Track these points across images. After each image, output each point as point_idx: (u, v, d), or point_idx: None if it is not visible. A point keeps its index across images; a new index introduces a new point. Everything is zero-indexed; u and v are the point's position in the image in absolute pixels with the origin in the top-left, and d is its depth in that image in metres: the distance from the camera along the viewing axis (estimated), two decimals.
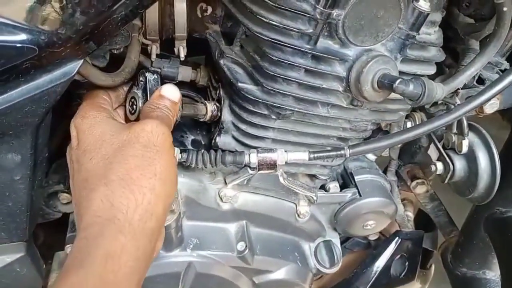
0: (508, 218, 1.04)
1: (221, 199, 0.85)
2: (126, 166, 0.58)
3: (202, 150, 0.77)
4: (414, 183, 1.12)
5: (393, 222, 1.13)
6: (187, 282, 0.84)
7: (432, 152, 0.98)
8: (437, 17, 0.74)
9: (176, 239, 0.80)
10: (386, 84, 0.67)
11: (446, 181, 0.96)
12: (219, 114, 0.81)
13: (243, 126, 0.80)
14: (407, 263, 1.16)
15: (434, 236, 1.28)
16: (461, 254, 1.18)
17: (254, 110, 0.77)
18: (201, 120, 0.82)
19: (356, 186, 0.95)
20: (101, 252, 0.53)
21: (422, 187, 1.13)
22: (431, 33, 0.74)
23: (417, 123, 0.97)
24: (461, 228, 1.19)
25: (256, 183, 0.87)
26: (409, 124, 0.97)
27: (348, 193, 0.94)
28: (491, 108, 0.95)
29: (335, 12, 0.65)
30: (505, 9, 0.67)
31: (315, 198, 0.90)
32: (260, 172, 0.78)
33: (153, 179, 0.58)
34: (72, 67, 0.57)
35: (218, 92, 0.82)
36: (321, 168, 0.92)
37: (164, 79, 0.82)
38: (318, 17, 0.65)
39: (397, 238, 1.12)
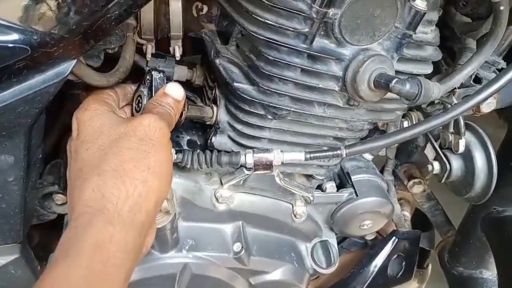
0: (505, 218, 1.04)
1: (217, 199, 0.85)
2: (121, 157, 0.58)
3: (198, 151, 0.77)
4: (411, 182, 1.12)
5: (390, 222, 1.13)
6: (182, 283, 0.84)
7: (429, 152, 0.98)
8: (434, 16, 0.73)
9: (172, 240, 0.80)
10: (382, 83, 0.67)
11: (443, 181, 0.96)
12: None
13: (239, 126, 0.79)
14: (404, 263, 1.17)
15: (431, 236, 1.28)
16: (458, 254, 1.18)
17: (250, 110, 0.76)
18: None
19: (352, 186, 0.94)
20: (89, 242, 0.53)
21: (419, 187, 1.13)
22: (427, 32, 0.74)
23: (414, 122, 0.96)
24: (458, 228, 1.19)
25: (252, 183, 0.87)
26: (405, 124, 0.96)
27: (345, 193, 0.94)
28: (488, 107, 0.94)
29: (331, 11, 0.64)
30: (501, 8, 0.67)
31: (311, 198, 0.90)
32: (256, 172, 0.77)
33: (146, 172, 0.58)
34: (66, 67, 0.56)
35: (214, 92, 0.82)
36: (317, 168, 0.91)
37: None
38: (314, 16, 0.65)
39: (394, 237, 1.13)
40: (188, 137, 0.87)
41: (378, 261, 1.13)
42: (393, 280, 1.17)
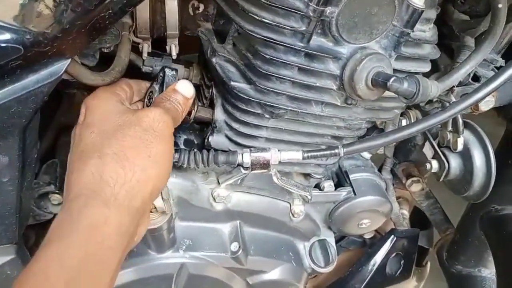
0: (504, 216, 1.04)
1: (214, 199, 0.84)
2: (123, 143, 0.59)
3: (195, 150, 0.76)
4: (409, 181, 1.12)
5: (389, 220, 1.13)
6: (179, 283, 0.84)
7: (427, 150, 0.97)
8: (432, 14, 0.73)
9: (169, 240, 0.80)
10: (380, 82, 0.66)
11: (441, 179, 0.95)
12: None
13: (236, 125, 0.79)
14: (402, 261, 1.16)
15: (429, 234, 1.28)
16: (457, 252, 1.18)
17: (247, 109, 0.76)
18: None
19: (351, 185, 0.94)
20: (85, 223, 0.53)
21: (418, 185, 1.13)
22: (425, 30, 0.73)
23: (412, 121, 0.96)
24: (457, 226, 1.19)
25: (250, 182, 0.87)
26: (404, 122, 0.96)
27: (343, 192, 0.93)
28: (486, 105, 0.94)
29: (328, 10, 0.64)
30: (500, 5, 0.66)
31: (309, 197, 0.90)
32: (253, 171, 0.77)
33: (146, 160, 0.59)
34: (60, 67, 0.56)
35: (210, 91, 0.81)
36: (315, 167, 0.91)
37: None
38: (311, 14, 0.64)
39: (392, 236, 1.12)
40: (185, 136, 0.86)
41: (377, 259, 1.12)
42: (392, 279, 1.17)
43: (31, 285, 0.51)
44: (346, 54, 0.70)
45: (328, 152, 0.76)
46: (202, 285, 0.87)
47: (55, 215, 0.89)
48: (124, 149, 0.58)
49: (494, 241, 1.07)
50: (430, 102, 0.94)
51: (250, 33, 0.67)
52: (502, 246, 1.05)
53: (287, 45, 0.67)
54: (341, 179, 0.97)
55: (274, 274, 0.93)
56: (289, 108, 0.75)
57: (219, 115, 0.80)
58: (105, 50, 0.70)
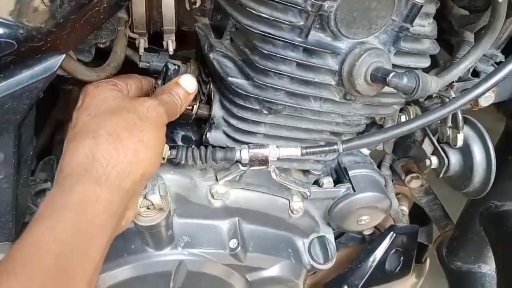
0: (504, 212, 1.03)
1: (212, 196, 0.84)
2: (117, 126, 0.60)
3: (192, 146, 0.76)
4: (408, 177, 1.11)
5: (388, 217, 1.12)
6: (178, 281, 0.83)
7: (427, 146, 0.97)
8: (431, 8, 0.72)
9: (167, 237, 0.79)
10: (379, 77, 0.66)
11: (441, 175, 0.95)
12: None
13: (234, 121, 0.78)
14: (402, 258, 1.16)
15: (429, 230, 1.28)
16: (456, 248, 1.17)
17: (245, 105, 0.75)
18: None
19: (350, 181, 0.94)
20: (76, 199, 0.55)
21: (417, 181, 1.12)
22: (425, 25, 0.73)
23: (411, 117, 0.95)
24: (456, 222, 1.19)
25: (248, 179, 0.86)
26: (403, 118, 0.96)
27: (342, 188, 0.93)
28: (486, 101, 0.93)
29: (326, 4, 0.63)
30: (500, 0, 0.66)
31: (308, 193, 0.89)
32: (251, 168, 0.76)
33: (138, 144, 0.60)
34: (54, 62, 0.55)
35: (208, 86, 0.81)
36: (314, 163, 0.90)
37: (153, 74, 0.80)
38: (309, 9, 0.63)
39: (391, 232, 1.12)
40: (183, 133, 0.86)
41: (376, 256, 1.12)
42: (391, 275, 1.17)
43: (23, 256, 0.52)
44: (344, 49, 0.70)
45: (327, 148, 0.75)
46: (200, 282, 0.86)
47: None
48: (118, 132, 0.60)
49: (494, 237, 1.07)
50: (429, 97, 0.94)
51: (248, 28, 0.66)
52: (502, 242, 1.04)
53: (285, 40, 0.67)
54: (340, 175, 0.97)
55: (273, 271, 0.92)
56: (288, 104, 0.74)
57: (217, 111, 0.80)
58: (101, 46, 0.70)
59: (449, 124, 0.91)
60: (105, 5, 0.52)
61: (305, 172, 0.95)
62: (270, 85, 0.71)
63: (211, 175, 0.84)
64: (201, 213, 0.84)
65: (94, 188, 0.56)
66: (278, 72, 0.70)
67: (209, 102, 0.81)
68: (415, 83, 0.63)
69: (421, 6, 0.66)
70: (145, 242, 0.80)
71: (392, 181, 1.08)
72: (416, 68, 0.74)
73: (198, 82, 0.85)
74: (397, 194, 1.15)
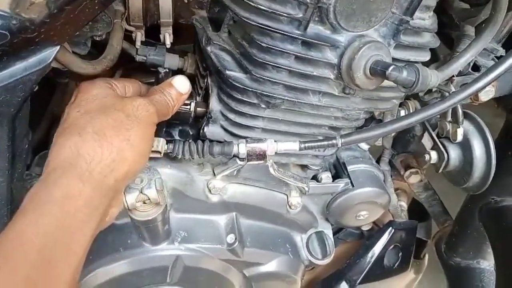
0: (503, 208, 1.03)
1: (209, 190, 0.83)
2: (104, 124, 0.61)
3: (190, 141, 0.75)
4: (407, 172, 1.11)
5: (387, 212, 1.12)
6: (175, 276, 0.83)
7: (426, 141, 0.96)
8: (432, 1, 0.71)
9: (163, 232, 0.78)
10: (379, 71, 0.65)
11: (440, 170, 0.94)
12: None
13: (231, 116, 0.78)
14: (400, 253, 1.16)
15: (428, 226, 1.27)
16: (455, 244, 1.17)
17: (243, 99, 0.74)
18: None
19: (348, 176, 0.93)
20: (59, 193, 0.56)
21: (416, 177, 1.12)
22: (425, 18, 0.72)
23: (411, 111, 0.95)
24: (455, 218, 1.18)
25: (246, 174, 0.85)
26: (402, 113, 0.95)
27: (341, 184, 0.92)
28: (486, 95, 0.93)
29: None
30: None
31: (306, 188, 0.89)
32: (249, 163, 0.75)
33: (124, 143, 0.61)
34: (48, 54, 0.55)
35: (206, 80, 0.80)
36: (312, 158, 0.90)
37: (150, 67, 0.79)
38: (308, 1, 0.63)
39: (390, 228, 1.12)
40: (180, 127, 0.85)
41: (375, 251, 1.12)
42: (390, 271, 1.17)
43: (5, 250, 0.52)
44: (344, 42, 0.69)
45: (326, 142, 0.74)
46: (198, 277, 0.86)
47: None
48: (105, 129, 0.60)
49: (493, 233, 1.06)
50: (429, 92, 0.93)
51: (246, 20, 0.65)
52: (501, 238, 1.04)
53: (283, 33, 0.66)
54: (338, 170, 0.96)
55: (271, 266, 0.92)
56: (286, 97, 0.73)
57: (215, 105, 0.79)
58: (97, 38, 0.69)
59: (449, 118, 0.90)
60: None
61: (304, 167, 0.94)
62: (268, 78, 0.71)
63: (209, 170, 0.83)
64: (198, 208, 0.84)
65: (77, 184, 0.57)
66: (276, 65, 0.69)
67: (206, 96, 0.80)
68: (415, 77, 0.63)
69: None
70: (142, 237, 0.79)
71: (391, 176, 1.07)
72: (416, 62, 0.73)
73: (196, 76, 0.85)
74: (396, 189, 1.15)
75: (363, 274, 1.12)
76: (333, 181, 0.93)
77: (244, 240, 0.87)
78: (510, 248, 1.01)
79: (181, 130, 0.85)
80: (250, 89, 0.72)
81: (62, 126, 0.63)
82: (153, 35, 0.80)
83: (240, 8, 0.66)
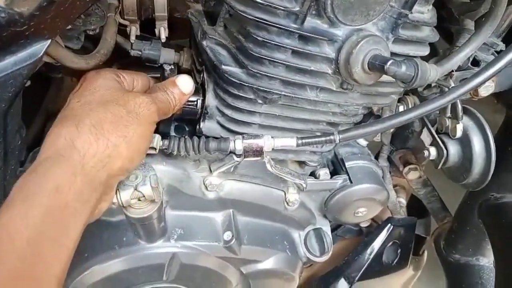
0: (503, 204, 1.02)
1: (206, 187, 0.82)
2: (103, 117, 0.60)
3: (185, 137, 0.74)
4: (406, 168, 1.10)
5: (385, 209, 1.11)
6: (171, 273, 0.82)
7: (425, 137, 0.95)
8: None
9: (159, 230, 0.77)
10: (377, 65, 0.64)
11: (439, 167, 0.94)
12: None
13: (228, 111, 0.77)
14: (399, 250, 1.16)
15: (427, 223, 1.27)
16: (455, 241, 1.17)
17: (239, 94, 0.73)
18: None
19: (347, 173, 0.92)
20: (50, 184, 0.54)
21: (415, 173, 1.11)
22: (424, 12, 0.70)
23: (410, 106, 0.94)
24: (455, 214, 1.18)
25: (243, 170, 0.85)
26: (401, 108, 0.94)
27: (339, 180, 0.92)
28: (486, 91, 0.92)
29: None
30: None
31: (304, 185, 0.88)
32: (246, 159, 0.74)
33: (121, 139, 0.60)
34: (39, 48, 0.53)
35: (201, 75, 0.79)
36: (310, 155, 0.89)
37: (145, 62, 0.78)
38: None
39: (389, 225, 1.12)
40: (176, 123, 0.84)
41: (373, 248, 1.12)
42: (388, 268, 1.16)
43: None
44: (341, 36, 0.68)
45: (324, 138, 0.73)
46: (194, 275, 0.85)
47: None
48: (103, 123, 0.59)
49: (492, 230, 1.06)
50: (428, 87, 0.92)
51: (242, 14, 0.64)
52: (501, 235, 1.03)
53: (280, 26, 0.65)
54: (336, 166, 0.95)
55: (269, 263, 0.91)
56: (283, 93, 0.72)
57: (211, 100, 0.78)
58: (90, 33, 0.68)
59: (448, 114, 0.89)
60: None
61: (301, 163, 0.93)
62: (265, 73, 0.70)
63: (205, 166, 0.82)
64: (195, 205, 0.83)
65: (69, 176, 0.55)
66: (273, 60, 0.68)
67: (203, 92, 0.79)
68: (413, 72, 0.62)
69: None
70: (137, 235, 0.78)
71: (390, 172, 1.07)
72: (415, 56, 0.72)
73: (192, 71, 0.84)
74: (394, 185, 1.14)
75: (361, 271, 1.12)
76: (331, 177, 0.92)
77: (241, 237, 0.86)
78: (509, 245, 1.00)
79: (177, 126, 0.84)
80: (247, 84, 0.71)
81: (62, 114, 0.62)
82: (148, 30, 0.79)
83: (236, 2, 0.65)
